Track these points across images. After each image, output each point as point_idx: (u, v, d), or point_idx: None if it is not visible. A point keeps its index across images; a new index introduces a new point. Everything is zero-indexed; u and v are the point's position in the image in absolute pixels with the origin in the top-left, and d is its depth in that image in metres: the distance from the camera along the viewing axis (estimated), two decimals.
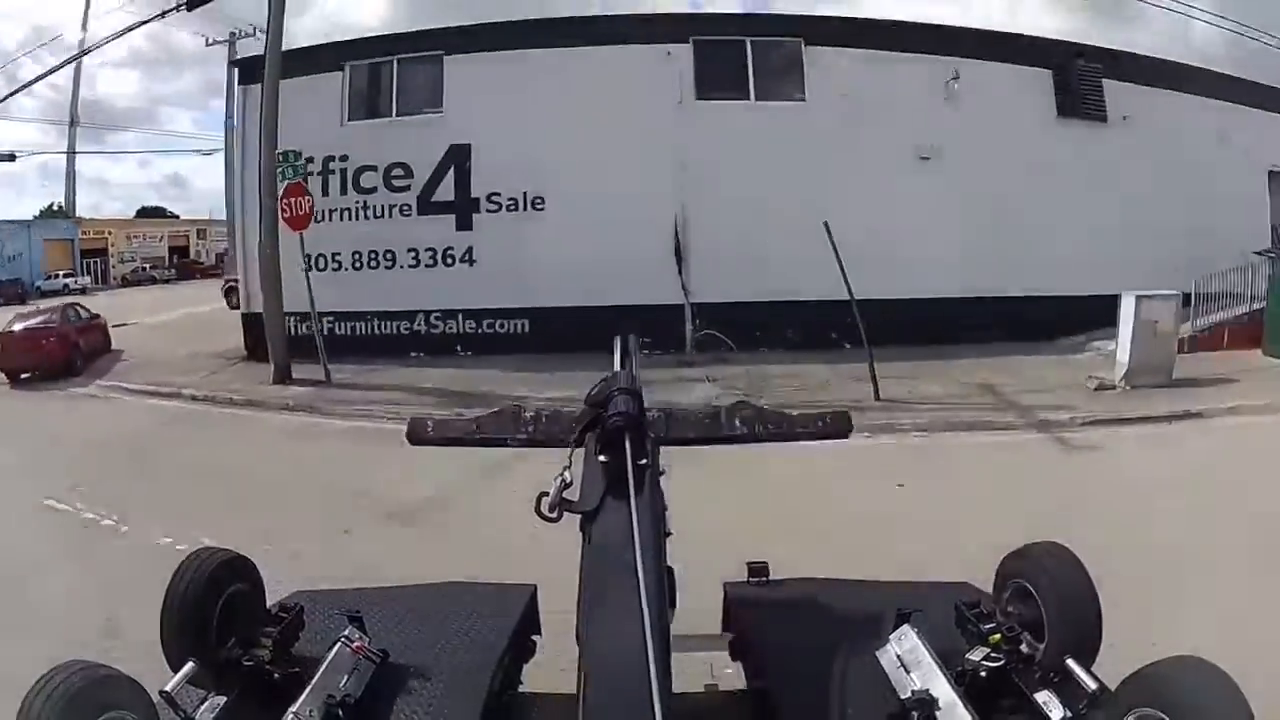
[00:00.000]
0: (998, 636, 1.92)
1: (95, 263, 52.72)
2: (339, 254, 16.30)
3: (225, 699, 1.88)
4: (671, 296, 15.97)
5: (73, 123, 50.89)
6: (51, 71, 47.23)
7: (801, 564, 3.34)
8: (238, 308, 28.03)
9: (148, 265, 55.68)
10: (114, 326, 20.74)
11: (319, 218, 15.18)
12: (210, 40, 35.74)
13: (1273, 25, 22.96)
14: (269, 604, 2.20)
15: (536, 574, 3.18)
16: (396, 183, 16.56)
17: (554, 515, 1.88)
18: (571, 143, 15.61)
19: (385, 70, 16.91)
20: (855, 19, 18.00)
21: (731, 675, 2.71)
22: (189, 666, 1.85)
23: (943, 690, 1.82)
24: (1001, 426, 11.51)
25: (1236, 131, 18.76)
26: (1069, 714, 1.76)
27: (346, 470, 9.52)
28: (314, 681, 1.87)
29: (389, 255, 16.59)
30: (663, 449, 2.32)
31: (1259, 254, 17.63)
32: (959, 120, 16.38)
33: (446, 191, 16.50)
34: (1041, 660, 1.88)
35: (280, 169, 14.08)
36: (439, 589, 2.82)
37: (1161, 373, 13.66)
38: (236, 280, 30.57)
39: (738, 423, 2.85)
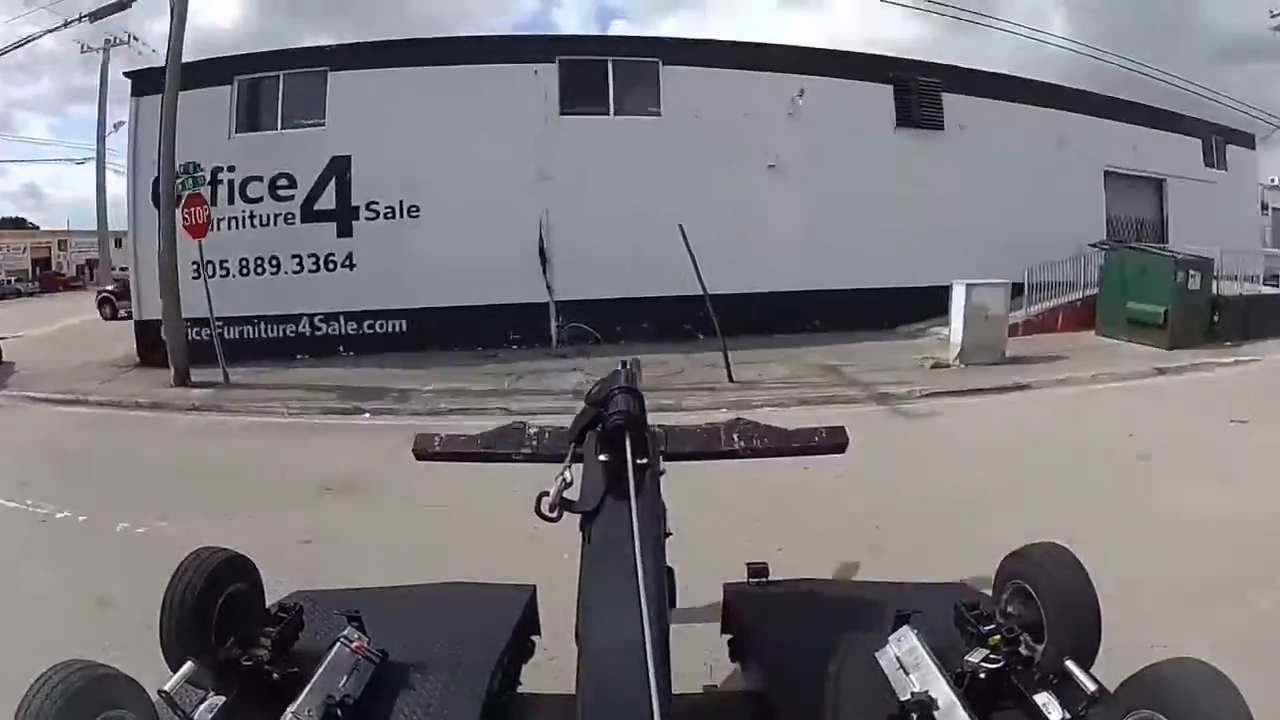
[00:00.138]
0: (997, 638, 1.97)
1: None
2: (226, 261, 16.95)
3: (224, 699, 1.92)
4: (538, 296, 17.34)
5: None
6: None
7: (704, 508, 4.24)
8: (112, 319, 28.62)
9: (13, 278, 54.13)
10: None
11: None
12: (86, 47, 35.69)
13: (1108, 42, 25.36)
14: (268, 604, 2.25)
15: (438, 526, 4.13)
16: (281, 192, 17.41)
17: (554, 515, 2.02)
18: (445, 154, 16.88)
19: (272, 84, 17.75)
20: (709, 40, 19.56)
21: (731, 675, 2.79)
22: (188, 666, 1.90)
23: (942, 691, 1.87)
24: (846, 400, 12.73)
25: (1074, 136, 21.02)
26: (1068, 715, 1.81)
27: (267, 457, 10.01)
28: (313, 681, 1.92)
29: (274, 261, 17.39)
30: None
31: (1092, 245, 20.11)
32: (804, 131, 18.05)
33: (328, 200, 17.42)
34: (1041, 661, 1.93)
35: (181, 179, 14.69)
36: (438, 589, 2.92)
37: (993, 352, 15.35)
38: (111, 291, 31.24)
39: (736, 438, 3.09)
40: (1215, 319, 18.94)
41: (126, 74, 17.99)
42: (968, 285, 15.37)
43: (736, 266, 15.56)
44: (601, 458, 2.06)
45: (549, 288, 17.43)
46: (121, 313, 27.62)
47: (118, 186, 28.85)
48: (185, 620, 1.93)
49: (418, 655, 2.21)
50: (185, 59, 14.84)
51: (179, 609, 1.94)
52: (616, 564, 1.69)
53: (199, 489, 8.36)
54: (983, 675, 1.92)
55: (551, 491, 2.03)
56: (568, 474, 2.09)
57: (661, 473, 2.41)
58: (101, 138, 36.18)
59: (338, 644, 2.07)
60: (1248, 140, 28.63)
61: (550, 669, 2.74)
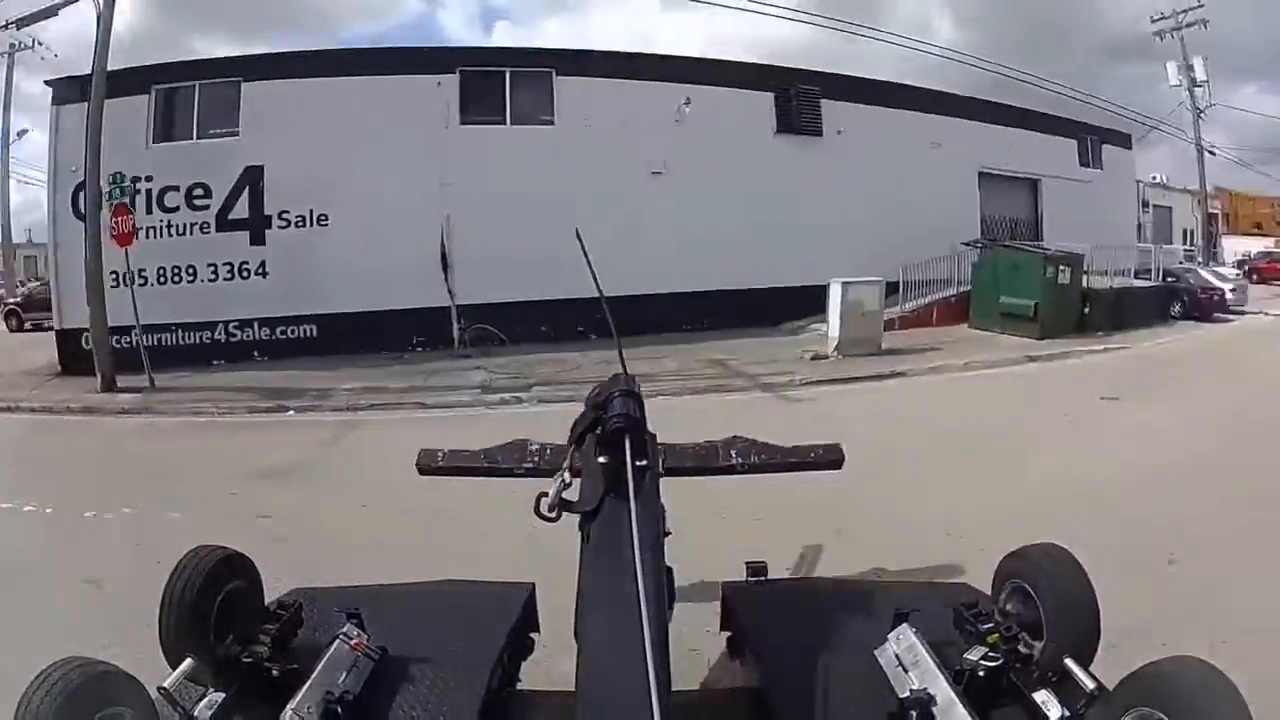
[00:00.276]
0: (996, 636, 1.97)
1: None
2: (145, 270, 16.70)
3: (224, 695, 1.92)
4: (440, 300, 17.90)
5: None
6: None
7: None
8: (18, 330, 28.20)
9: None
10: None
11: None
12: None
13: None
14: (267, 601, 2.25)
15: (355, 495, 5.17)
16: (197, 202, 17.53)
17: (553, 515, 2.03)
18: (353, 163, 17.23)
19: (188, 94, 17.83)
20: (600, 51, 20.42)
21: (731, 675, 2.80)
22: (187, 663, 1.91)
23: (941, 690, 1.87)
24: (733, 390, 13.54)
25: (950, 139, 22.29)
26: (1067, 713, 1.81)
27: (207, 452, 10.30)
28: (312, 678, 1.92)
29: (190, 270, 17.50)
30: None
31: (965, 244, 21.35)
32: (689, 138, 19.08)
33: (242, 210, 17.64)
34: (1040, 660, 1.94)
35: (109, 189, 14.76)
36: (438, 586, 2.91)
37: (870, 345, 16.40)
38: (17, 303, 30.95)
39: (733, 454, 3.12)
40: (1086, 310, 20.18)
41: (47, 82, 17.62)
42: (844, 283, 16.32)
43: (627, 269, 15.36)
44: (601, 459, 2.10)
45: (450, 292, 17.90)
46: (28, 325, 27.82)
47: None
48: (184, 618, 1.95)
49: (417, 652, 2.22)
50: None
51: (178, 606, 1.96)
52: (616, 564, 1.71)
53: (151, 481, 8.67)
54: (982, 673, 1.94)
55: (551, 492, 2.08)
56: (566, 475, 2.15)
57: (661, 474, 2.48)
58: (5, 146, 34.50)
59: (337, 641, 2.09)
60: (1124, 140, 30.22)
61: (549, 666, 2.79)
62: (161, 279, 17.43)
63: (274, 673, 1.96)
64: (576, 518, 2.09)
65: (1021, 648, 1.97)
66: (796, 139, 20.50)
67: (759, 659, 2.36)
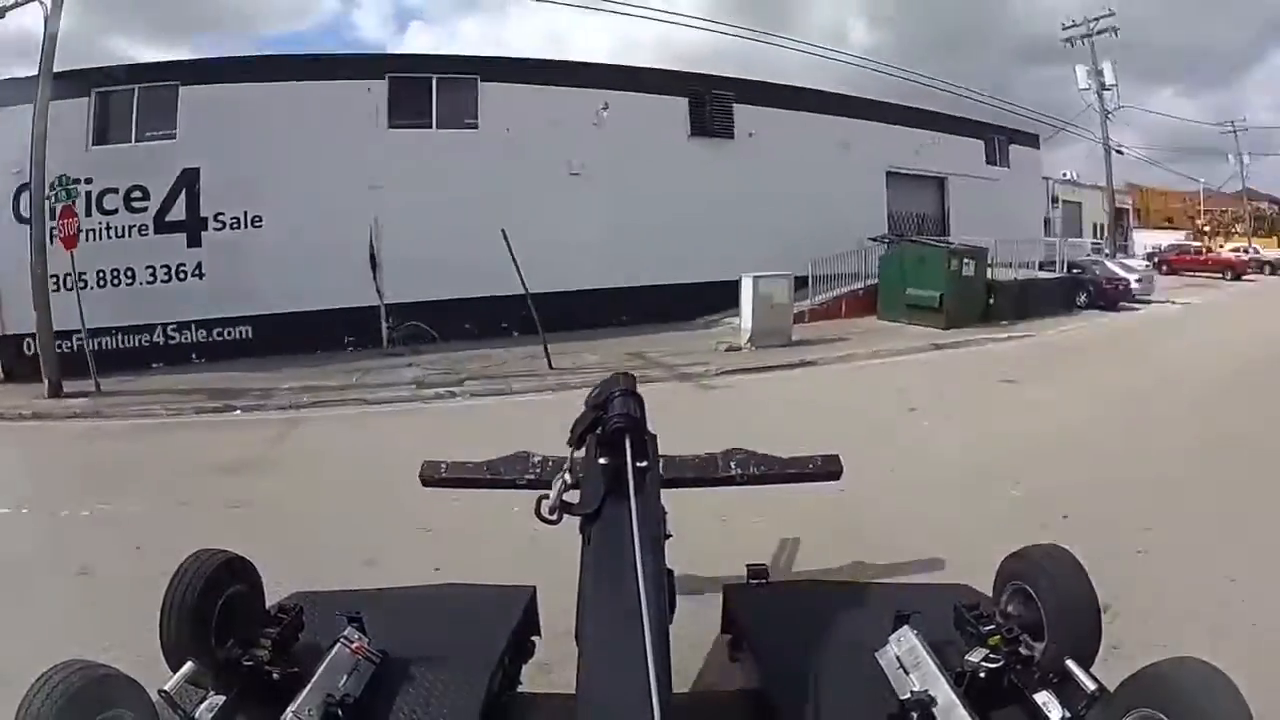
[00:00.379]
0: (997, 638, 1.97)
1: None
2: (85, 273, 16.23)
3: (224, 699, 1.92)
4: (370, 299, 18.06)
5: None
6: None
7: None
8: None
9: None
10: None
11: None
12: None
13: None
14: (268, 604, 2.24)
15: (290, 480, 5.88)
16: (135, 204, 17.55)
17: (554, 517, 2.08)
18: (286, 166, 17.54)
19: (127, 98, 17.84)
20: (523, 59, 21.22)
21: (731, 675, 2.80)
22: (188, 666, 1.91)
23: (942, 691, 1.87)
24: (653, 380, 13.74)
25: (858, 140, 23.46)
26: (1068, 714, 1.82)
27: (164, 450, 10.36)
28: (313, 681, 1.92)
29: (129, 273, 17.46)
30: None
31: (872, 239, 22.38)
32: (606, 142, 19.95)
33: (179, 212, 17.69)
34: (1041, 661, 1.94)
35: (55, 192, 14.74)
36: (438, 590, 2.89)
37: (782, 336, 17.19)
38: None
39: (733, 465, 3.17)
40: (991, 301, 21.16)
41: None
42: (755, 278, 17.14)
43: (548, 268, 16.37)
44: (601, 460, 2.10)
45: (379, 291, 18.10)
46: None
47: None
48: (185, 621, 1.94)
49: (418, 655, 2.21)
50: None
51: (179, 610, 1.95)
52: (616, 566, 1.72)
53: (115, 479, 8.75)
54: (983, 675, 1.93)
55: (552, 494, 2.10)
56: (567, 476, 2.17)
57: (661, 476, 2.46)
58: None
59: (338, 644, 2.07)
60: (1032, 140, 31.68)
61: (550, 669, 2.88)
62: (101, 282, 17.39)
63: (275, 676, 1.97)
64: (565, 518, 2.13)
65: (1022, 649, 1.98)
66: (710, 141, 21.52)
67: (760, 660, 2.35)
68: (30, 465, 10.36)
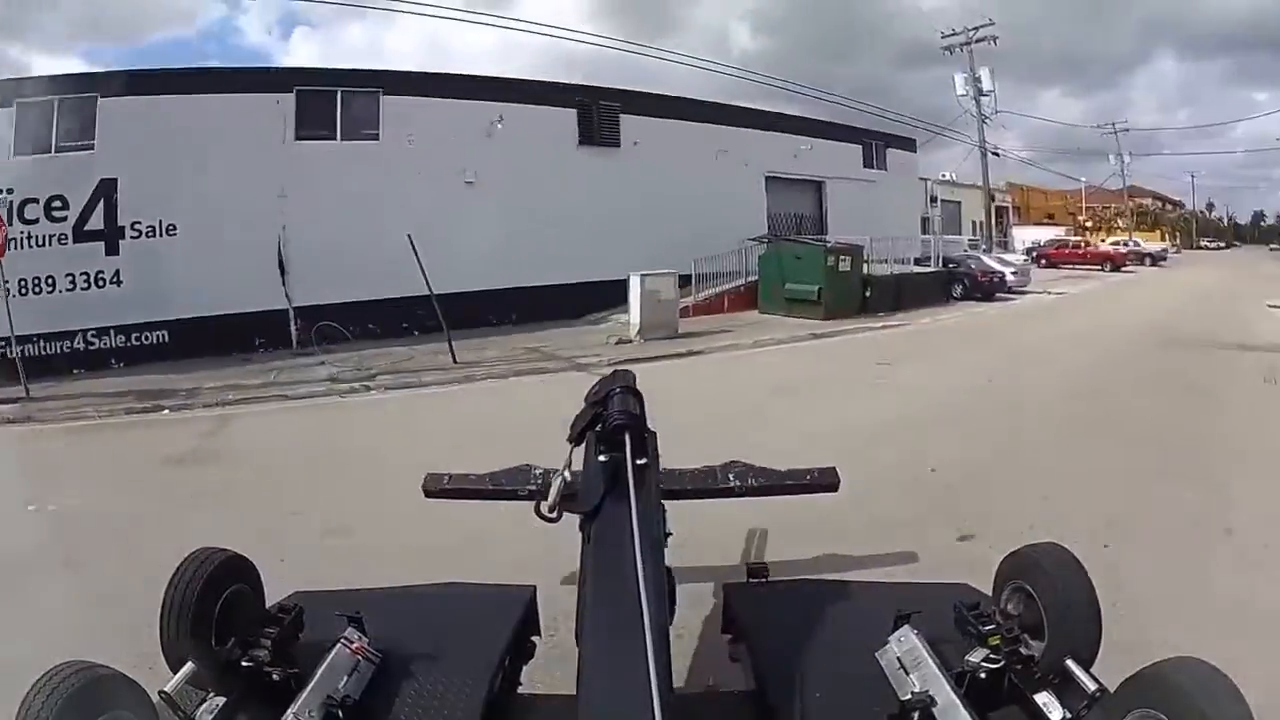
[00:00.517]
0: (997, 638, 1.97)
1: None
2: (7, 282, 15.96)
3: (224, 700, 1.91)
4: (279, 303, 18.54)
5: None
6: None
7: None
8: None
9: None
10: None
11: None
12: None
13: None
14: (268, 604, 2.24)
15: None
16: (56, 214, 17.55)
17: (554, 515, 2.10)
18: (199, 176, 17.80)
19: (47, 108, 17.75)
20: (423, 73, 21.94)
21: (731, 675, 2.79)
22: (188, 667, 1.91)
23: (942, 691, 1.87)
24: (550, 370, 14.95)
25: (739, 147, 25.03)
26: (1068, 715, 1.82)
27: (106, 449, 10.53)
28: (313, 682, 1.92)
29: (50, 280, 17.41)
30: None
31: (752, 240, 23.85)
32: (500, 151, 21.04)
33: (98, 221, 17.75)
34: (1041, 661, 1.94)
35: None
36: (439, 589, 2.86)
37: (668, 329, 18.37)
38: None
39: (731, 477, 3.25)
40: (867, 294, 22.73)
41: None
42: (642, 275, 18.35)
43: (447, 270, 16.87)
44: (601, 458, 2.11)
45: (287, 296, 18.50)
46: None
47: None
48: (185, 621, 1.92)
49: (418, 656, 2.20)
50: None
51: (179, 610, 1.94)
52: (616, 565, 1.74)
53: (70, 477, 8.73)
54: (983, 675, 1.93)
55: (551, 491, 2.10)
56: (567, 474, 2.16)
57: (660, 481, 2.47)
58: None
59: (338, 644, 2.07)
60: (909, 145, 33.60)
61: (550, 669, 2.90)
62: (23, 290, 17.16)
63: (275, 677, 1.96)
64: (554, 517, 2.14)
65: (1023, 649, 1.97)
66: (597, 150, 22.83)
67: (760, 660, 2.32)
68: None
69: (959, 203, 44.90)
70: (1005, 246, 46.05)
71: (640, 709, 1.34)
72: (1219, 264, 54.76)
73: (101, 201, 18.00)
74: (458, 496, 3.42)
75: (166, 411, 12.65)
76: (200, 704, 1.90)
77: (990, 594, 2.26)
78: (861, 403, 11.37)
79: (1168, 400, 11.07)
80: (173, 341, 17.88)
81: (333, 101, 19.98)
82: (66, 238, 17.83)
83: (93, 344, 17.73)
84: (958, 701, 1.83)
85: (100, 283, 17.88)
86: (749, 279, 23.51)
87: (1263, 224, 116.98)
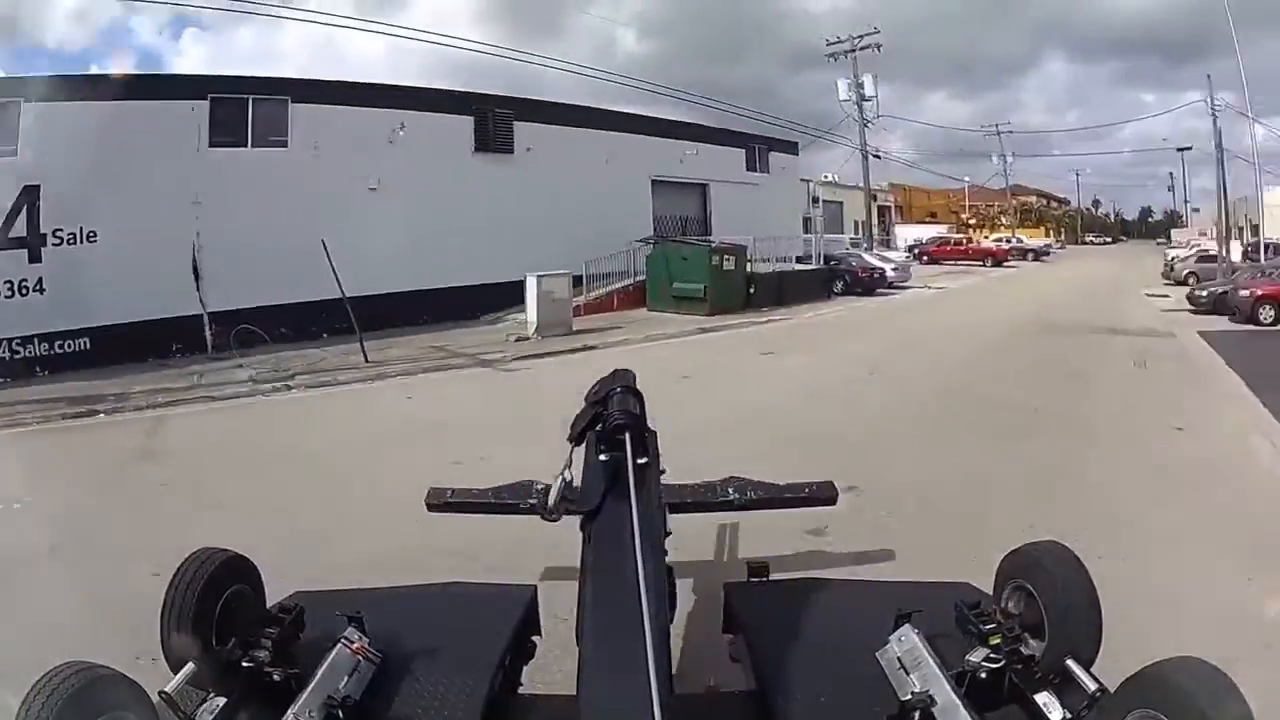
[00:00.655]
0: (998, 637, 1.98)
1: None
2: None
3: (225, 700, 1.92)
4: (194, 308, 18.66)
5: None
6: None
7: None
8: None
9: None
10: None
11: None
12: None
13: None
14: (269, 604, 2.25)
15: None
16: None
17: (554, 516, 2.17)
18: (118, 183, 17.68)
19: None
20: (328, 81, 22.27)
21: (732, 675, 2.80)
22: (189, 667, 1.91)
23: (943, 691, 1.87)
24: (456, 366, 15.86)
25: (626, 152, 26.42)
26: (1068, 714, 1.83)
27: (52, 451, 10.60)
28: (314, 682, 1.92)
29: None
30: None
31: (639, 241, 25.34)
32: (402, 157, 22.03)
33: (21, 228, 17.39)
34: (1041, 661, 1.95)
35: None
36: (439, 589, 2.90)
37: (563, 326, 19.60)
38: None
39: (731, 491, 3.34)
40: (751, 291, 24.30)
41: None
42: (538, 276, 19.58)
43: (354, 274, 17.15)
44: (602, 457, 2.18)
45: (201, 301, 18.66)
46: None
47: None
48: (186, 621, 1.93)
49: (418, 656, 2.20)
50: None
51: (180, 610, 1.94)
52: (617, 565, 1.76)
53: (30, 478, 8.53)
54: (983, 674, 1.94)
55: (552, 492, 2.19)
56: (567, 473, 2.23)
57: (663, 471, 2.54)
58: None
59: (338, 645, 2.07)
60: (791, 148, 35.37)
61: (550, 669, 2.92)
62: None
63: (275, 677, 1.98)
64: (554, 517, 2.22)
65: (1023, 649, 1.99)
66: (493, 156, 23.95)
67: (760, 660, 2.31)
68: None
69: (841, 203, 46.63)
70: (888, 244, 48.23)
71: (640, 709, 1.36)
72: (1103, 257, 57.89)
73: (25, 209, 17.69)
74: (460, 510, 3.49)
75: (102, 415, 12.77)
76: (200, 704, 1.94)
77: (991, 593, 2.29)
78: (750, 389, 12.82)
79: (1038, 381, 12.86)
80: (95, 348, 17.69)
81: (244, 109, 20.28)
82: None
83: (17, 352, 17.42)
84: (958, 701, 1.85)
85: (24, 290, 17.59)
86: (638, 278, 24.89)
87: (1150, 219, 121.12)
